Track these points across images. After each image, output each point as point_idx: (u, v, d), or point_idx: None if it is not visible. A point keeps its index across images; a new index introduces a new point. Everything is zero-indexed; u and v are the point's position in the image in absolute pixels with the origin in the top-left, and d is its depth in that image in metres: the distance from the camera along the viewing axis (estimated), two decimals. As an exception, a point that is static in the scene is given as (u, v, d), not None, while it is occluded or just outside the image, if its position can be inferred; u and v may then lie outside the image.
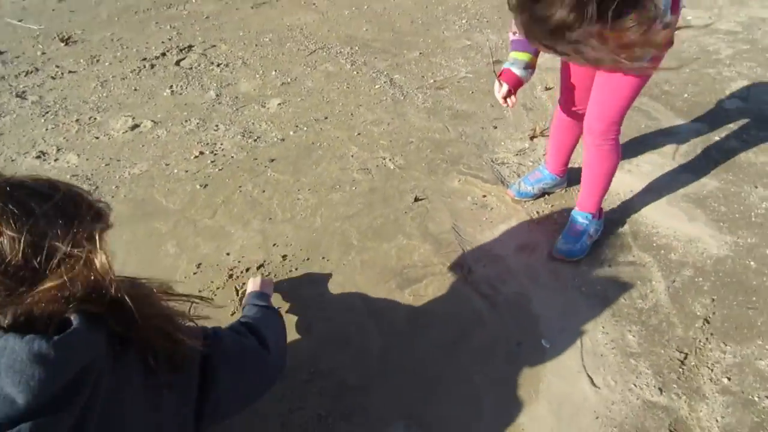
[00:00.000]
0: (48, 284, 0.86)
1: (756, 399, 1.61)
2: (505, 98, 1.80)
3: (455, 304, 1.87)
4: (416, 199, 2.28)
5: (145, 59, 3.47)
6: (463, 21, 3.82)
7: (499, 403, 1.61)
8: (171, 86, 3.17)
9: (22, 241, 0.85)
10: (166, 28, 3.91)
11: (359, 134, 2.71)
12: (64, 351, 0.83)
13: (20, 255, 0.85)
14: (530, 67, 1.78)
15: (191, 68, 3.37)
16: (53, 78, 3.31)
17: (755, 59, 3.15)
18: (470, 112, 2.84)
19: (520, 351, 1.75)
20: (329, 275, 1.98)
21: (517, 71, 1.76)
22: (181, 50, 3.58)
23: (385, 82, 3.14)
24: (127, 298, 0.94)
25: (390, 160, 2.52)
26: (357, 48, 3.54)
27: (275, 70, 3.31)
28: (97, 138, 2.75)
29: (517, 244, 2.11)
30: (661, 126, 2.67)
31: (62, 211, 0.90)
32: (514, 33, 1.74)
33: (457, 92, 3.03)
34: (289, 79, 3.21)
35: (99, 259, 0.91)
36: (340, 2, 4.25)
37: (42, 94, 3.12)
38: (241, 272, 1.98)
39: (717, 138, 2.56)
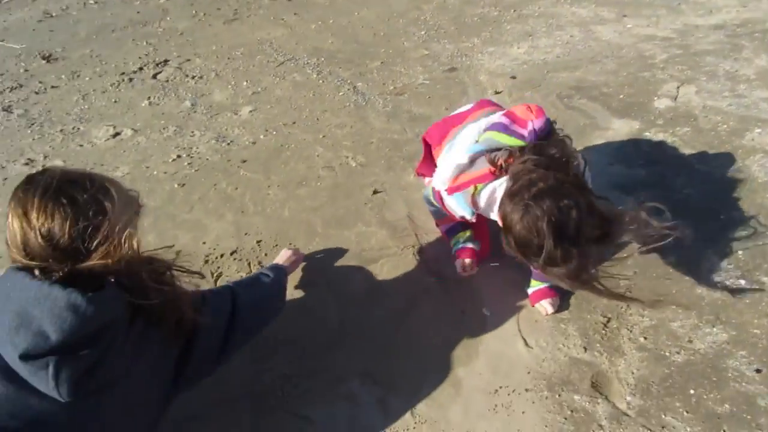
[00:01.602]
0: (92, 261, 1.09)
1: (667, 354, 1.86)
2: (468, 270, 2.00)
3: (407, 280, 2.10)
4: (375, 192, 2.52)
5: (123, 74, 3.68)
6: (422, 32, 4.09)
7: (443, 361, 1.84)
8: (149, 97, 3.38)
9: (68, 225, 1.08)
10: (143, 45, 4.13)
11: (324, 137, 2.95)
12: (94, 306, 1.05)
13: (67, 236, 1.08)
14: (476, 238, 2.05)
15: (167, 81, 3.59)
16: (37, 93, 3.50)
17: (686, 63, 3.46)
18: (427, 115, 3.10)
19: (463, 318, 1.98)
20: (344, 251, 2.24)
21: (472, 245, 2.01)
22: (157, 65, 3.79)
23: (348, 90, 3.39)
24: (149, 274, 1.18)
25: (352, 158, 2.76)
26: (323, 59, 3.79)
27: (246, 81, 3.54)
28: (80, 146, 2.95)
29: (466, 229, 2.34)
30: (597, 124, 2.95)
31: (100, 200, 1.14)
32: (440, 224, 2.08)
33: (415, 97, 3.29)
34: (259, 89, 3.44)
35: (132, 241, 1.15)
36: (308, 17, 4.51)
37: (27, 107, 3.31)
38: (216, 258, 2.20)
39: (647, 134, 2.85)
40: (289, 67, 3.71)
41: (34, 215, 1.08)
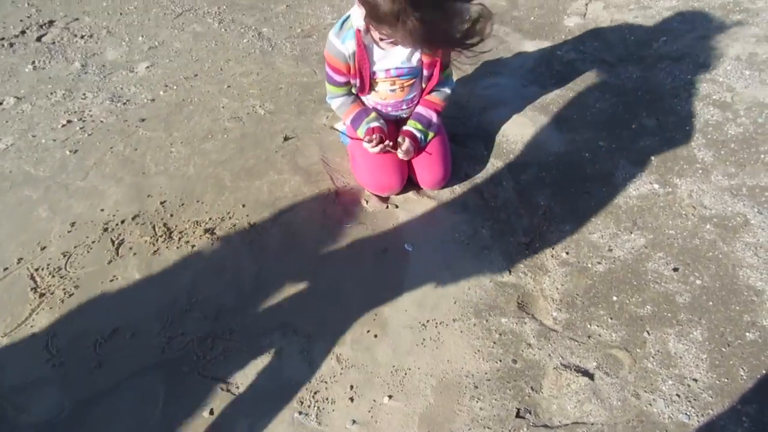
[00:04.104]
0: None
1: (589, 265, 1.86)
2: (379, 144, 1.98)
3: (325, 224, 2.01)
4: (286, 138, 2.38)
5: (2, 39, 3.32)
6: (328, -29, 3.88)
7: (366, 301, 1.77)
8: (33, 62, 3.07)
9: None
10: (24, 6, 3.73)
11: (229, 87, 2.76)
12: None
13: None
14: (380, 119, 2.05)
15: (54, 43, 3.27)
16: None
17: (594, -20, 3.43)
18: (337, 55, 2.95)
19: (385, 257, 1.92)
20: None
21: (377, 123, 2.02)
22: (41, 26, 3.44)
23: (253, 36, 3.18)
24: None
25: (260, 106, 2.60)
26: (224, 7, 3.54)
27: (142, 36, 3.27)
28: (-44, 121, 2.66)
29: (383, 167, 2.25)
30: (510, 47, 2.88)
31: None
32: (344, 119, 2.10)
33: (325, 38, 3.11)
34: (156, 43, 3.18)
35: None
36: (206, -36, 4.20)
37: None
38: (117, 224, 2.03)
39: (559, 52, 2.81)
40: (188, 18, 3.45)
41: None
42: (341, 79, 1.95)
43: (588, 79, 2.60)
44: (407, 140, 2.02)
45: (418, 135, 2.04)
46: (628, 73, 2.60)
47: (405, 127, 2.06)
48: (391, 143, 1.99)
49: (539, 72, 2.69)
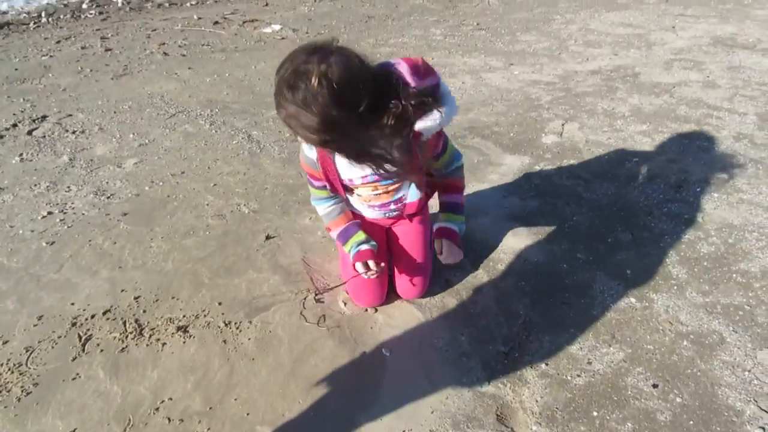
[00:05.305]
0: None
1: (569, 378, 1.82)
2: (374, 269, 1.90)
3: (302, 326, 1.97)
4: (268, 237, 2.39)
5: (-7, 131, 3.39)
6: (319, 82, 4.09)
7: (341, 408, 1.70)
8: (21, 154, 3.11)
9: None
10: (19, 101, 3.85)
11: (215, 185, 2.81)
12: None
13: None
14: (370, 239, 1.97)
15: (44, 137, 3.34)
16: None
17: (569, 103, 3.67)
18: (323, 160, 3.04)
19: (363, 361, 1.87)
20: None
21: (368, 246, 1.93)
22: (33, 121, 3.53)
23: (242, 138, 3.29)
24: None
25: (245, 205, 2.63)
26: (217, 110, 3.68)
27: (133, 134, 3.36)
28: (-66, 207, 2.63)
29: (363, 270, 2.25)
30: (490, 160, 3.01)
31: None
32: (329, 230, 2.02)
33: (312, 143, 3.23)
34: (147, 141, 3.27)
35: None
36: (202, 71, 4.41)
37: None
38: (86, 319, 1.97)
39: (537, 167, 2.93)
40: (181, 119, 3.57)
41: None
42: (318, 183, 1.90)
43: (565, 193, 2.70)
44: (445, 242, 1.96)
45: (455, 227, 2.01)
46: (603, 189, 2.71)
47: (439, 225, 2.01)
48: (384, 265, 1.95)
49: (518, 184, 2.79)
